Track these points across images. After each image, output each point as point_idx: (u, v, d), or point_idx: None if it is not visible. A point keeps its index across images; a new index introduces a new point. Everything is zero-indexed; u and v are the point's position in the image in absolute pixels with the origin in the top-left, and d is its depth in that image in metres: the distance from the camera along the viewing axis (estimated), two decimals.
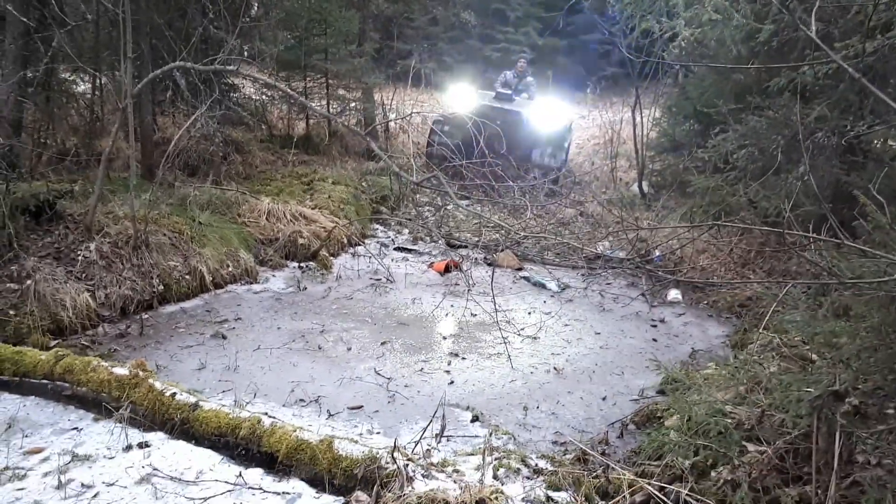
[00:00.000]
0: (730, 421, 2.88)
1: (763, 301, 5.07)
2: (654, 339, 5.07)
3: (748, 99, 5.31)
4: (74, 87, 8.21)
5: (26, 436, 3.26)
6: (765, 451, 2.64)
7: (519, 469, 2.95)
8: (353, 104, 10.82)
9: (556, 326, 5.20)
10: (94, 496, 2.80)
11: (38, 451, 3.13)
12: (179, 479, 2.94)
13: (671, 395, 3.64)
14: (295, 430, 3.06)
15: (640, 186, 9.30)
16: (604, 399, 4.05)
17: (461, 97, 9.75)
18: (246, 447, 3.12)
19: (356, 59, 9.95)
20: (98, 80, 8.02)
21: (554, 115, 9.73)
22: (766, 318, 4.29)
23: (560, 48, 21.97)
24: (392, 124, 11.99)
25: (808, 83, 4.78)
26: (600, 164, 11.25)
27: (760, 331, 4.18)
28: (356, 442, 3.04)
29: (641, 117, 9.52)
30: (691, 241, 6.33)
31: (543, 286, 6.21)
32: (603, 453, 3.31)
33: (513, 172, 7.82)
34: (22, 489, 2.81)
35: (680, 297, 5.97)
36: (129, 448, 3.16)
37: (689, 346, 4.92)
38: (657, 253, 6.86)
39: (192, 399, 3.35)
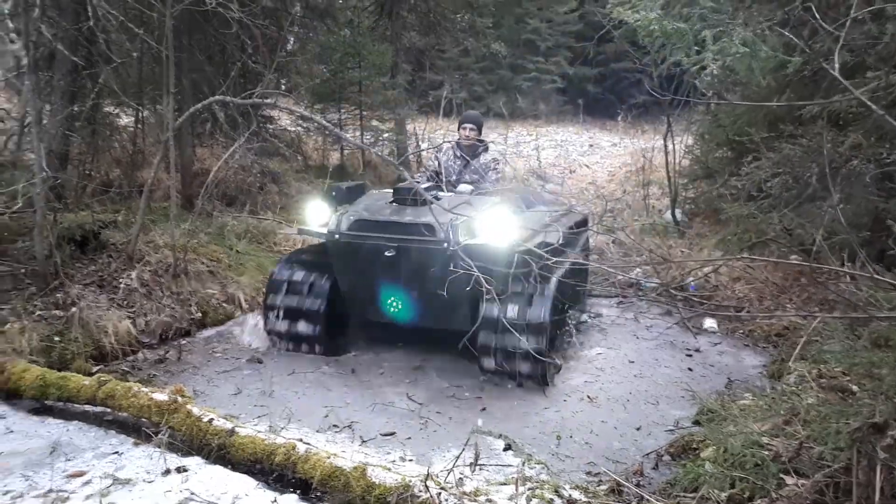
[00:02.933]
0: (767, 453, 2.83)
1: (800, 330, 4.99)
2: (690, 369, 5.01)
3: (781, 127, 5.29)
4: (118, 120, 8.50)
5: (69, 459, 3.34)
6: (803, 484, 2.60)
7: (552, 500, 2.94)
8: (385, 134, 11.00)
9: (589, 354, 5.17)
10: None
11: (81, 474, 3.20)
12: None
13: (707, 426, 3.59)
14: (329, 457, 3.10)
15: (672, 214, 9.24)
16: (638, 429, 4.00)
17: (315, 215, 5.13)
18: (281, 473, 3.17)
19: (389, 91, 10.15)
20: (141, 114, 8.29)
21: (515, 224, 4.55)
22: (804, 348, 4.22)
23: (591, 77, 22.08)
24: (424, 154, 12.16)
25: (842, 110, 4.75)
26: (632, 191, 11.22)
27: (798, 361, 4.11)
28: (389, 469, 3.06)
29: (673, 145, 9.50)
30: (719, 269, 6.27)
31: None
32: (638, 485, 3.27)
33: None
34: None
35: (716, 325, 5.90)
36: (167, 472, 3.22)
37: (725, 375, 4.85)
38: (691, 281, 6.80)
39: (229, 425, 3.41)
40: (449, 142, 5.96)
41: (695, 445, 3.49)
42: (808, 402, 3.14)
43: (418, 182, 5.14)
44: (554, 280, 4.51)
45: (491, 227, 4.42)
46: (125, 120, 8.83)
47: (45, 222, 4.71)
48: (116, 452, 3.43)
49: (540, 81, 21.26)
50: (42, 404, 3.91)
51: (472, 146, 5.67)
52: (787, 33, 4.85)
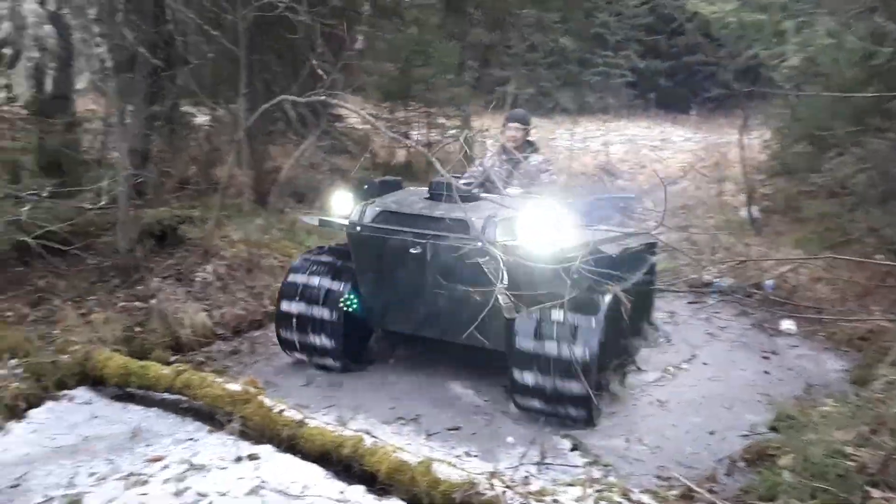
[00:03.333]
0: (851, 464, 2.70)
1: (885, 334, 4.73)
2: (766, 372, 4.82)
3: (867, 120, 5.02)
4: (195, 120, 8.80)
5: (148, 444, 3.49)
6: (891, 497, 2.46)
7: (620, 503, 2.88)
8: (452, 131, 11.01)
9: (660, 356, 5.04)
10: None
11: (159, 459, 3.34)
12: (285, 493, 3.06)
13: (785, 432, 3.44)
14: (395, 451, 3.13)
15: (748, 211, 8.91)
16: (711, 433, 3.88)
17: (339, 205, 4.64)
18: (348, 464, 3.21)
19: (455, 88, 10.15)
20: (216, 114, 8.56)
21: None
22: (893, 353, 3.99)
23: (662, 71, 21.54)
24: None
25: None
26: (706, 187, 10.88)
27: (885, 366, 3.90)
28: (454, 465, 3.06)
29: (749, 139, 9.16)
30: (798, 269, 6.01)
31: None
32: (710, 491, 3.16)
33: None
34: (144, 494, 3.01)
35: (794, 327, 5.65)
36: (239, 460, 3.32)
37: (804, 380, 4.64)
38: (769, 281, 6.55)
39: (299, 416, 3.48)
40: (473, 132, 5.73)
41: (771, 452, 3.35)
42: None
43: (460, 178, 4.66)
44: (605, 304, 3.81)
45: (532, 226, 3.73)
46: (201, 119, 9.15)
47: (127, 218, 4.93)
48: (192, 439, 3.56)
49: (609, 76, 20.85)
50: (124, 391, 4.09)
51: (519, 148, 5.02)
52: (877, 20, 4.60)
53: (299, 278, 4.53)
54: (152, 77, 6.45)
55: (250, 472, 3.21)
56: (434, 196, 4.21)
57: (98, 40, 4.60)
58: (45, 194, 4.00)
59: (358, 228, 4.15)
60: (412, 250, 3.93)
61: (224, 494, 3.03)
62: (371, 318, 4.51)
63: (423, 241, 3.93)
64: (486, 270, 3.46)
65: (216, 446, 3.46)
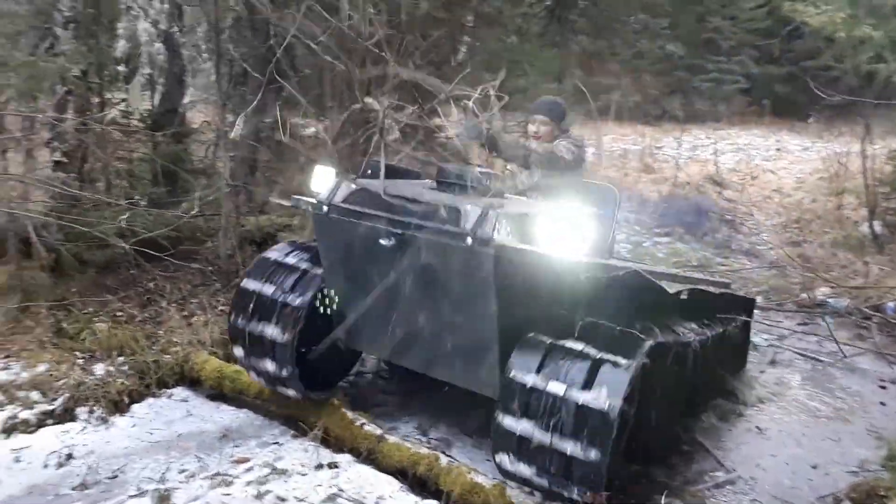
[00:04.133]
0: None
1: None
2: (883, 403, 4.43)
3: None
4: (301, 132, 9.11)
5: (236, 445, 3.62)
6: None
7: None
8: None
9: (760, 378, 4.73)
10: None
11: (245, 460, 3.45)
12: (361, 503, 3.08)
13: None
14: (469, 472, 3.09)
15: (870, 226, 8.26)
16: (814, 467, 3.59)
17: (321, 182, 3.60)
18: (423, 481, 3.21)
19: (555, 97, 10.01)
20: (319, 125, 8.84)
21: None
22: None
23: (779, 76, 20.41)
24: (590, 159, 11.87)
25: None
26: (823, 200, 10.18)
27: None
28: (531, 493, 2.99)
29: (874, 149, 8.49)
30: None
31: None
32: None
33: None
34: (228, 494, 3.11)
35: None
36: (320, 467, 3.37)
37: None
38: (892, 304, 6.03)
39: (378, 431, 3.51)
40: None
41: (882, 493, 3.07)
42: None
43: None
44: (646, 347, 2.76)
45: (558, 230, 2.77)
46: (308, 131, 9.48)
47: (228, 225, 5.16)
48: (277, 443, 3.66)
49: (721, 82, 19.97)
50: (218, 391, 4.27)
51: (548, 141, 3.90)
52: None
53: (251, 285, 3.71)
54: (260, 90, 6.75)
55: (328, 480, 3.26)
56: (442, 185, 3.27)
57: (206, 56, 4.86)
58: (143, 203, 4.26)
59: (324, 209, 3.23)
60: (382, 241, 2.98)
61: (302, 500, 3.09)
62: (339, 334, 3.55)
63: (398, 232, 2.97)
64: (487, 279, 2.67)
65: (299, 452, 3.54)
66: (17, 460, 3.33)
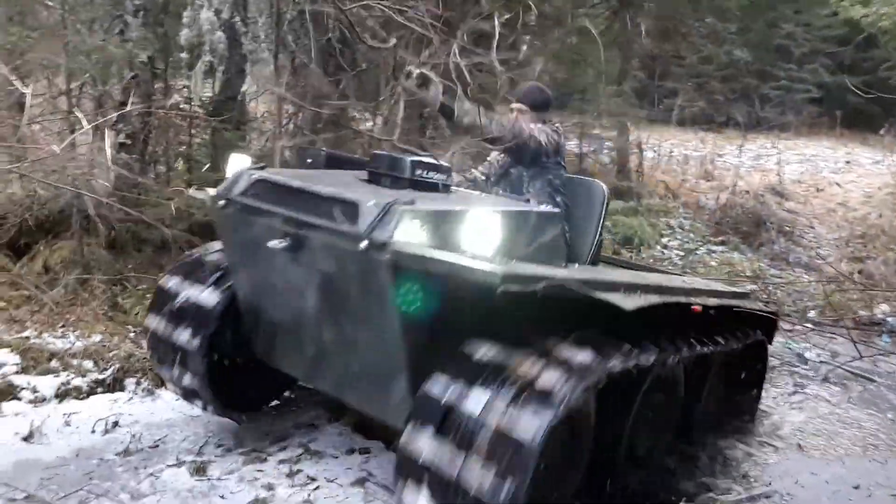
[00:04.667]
0: None
1: None
2: None
3: None
4: (360, 125, 9.24)
5: (273, 425, 3.71)
6: None
7: None
8: (608, 143, 10.76)
9: (805, 393, 4.59)
10: (315, 488, 3.09)
11: (280, 440, 3.54)
12: (389, 488, 3.13)
13: None
14: None
15: None
16: (856, 488, 3.47)
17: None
18: None
19: (613, 99, 9.89)
20: (376, 118, 8.95)
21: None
22: None
23: (852, 86, 19.61)
24: (649, 163, 11.69)
25: None
26: (890, 216, 9.77)
27: None
28: None
29: None
30: None
31: (801, 357, 5.50)
32: None
33: None
34: (261, 471, 3.20)
35: None
36: (351, 451, 3.44)
37: None
38: None
39: None
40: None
41: None
42: None
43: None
44: (594, 377, 2.30)
45: (476, 230, 2.29)
46: (367, 125, 9.61)
47: None
48: (312, 425, 3.73)
49: (791, 90, 19.33)
50: None
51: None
52: None
53: (171, 283, 3.32)
54: (319, 82, 6.88)
55: (359, 464, 3.32)
56: (374, 177, 2.79)
57: (266, 46, 5.00)
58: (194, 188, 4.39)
59: (222, 203, 2.80)
60: (270, 243, 2.53)
61: (331, 482, 3.16)
62: (254, 346, 3.17)
63: (290, 232, 2.53)
64: (382, 287, 2.26)
65: (332, 435, 3.61)
66: (67, 424, 3.50)
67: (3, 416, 3.48)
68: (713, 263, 7.89)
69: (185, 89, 4.82)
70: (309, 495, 3.02)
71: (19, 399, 3.64)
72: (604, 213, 3.58)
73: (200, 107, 5.68)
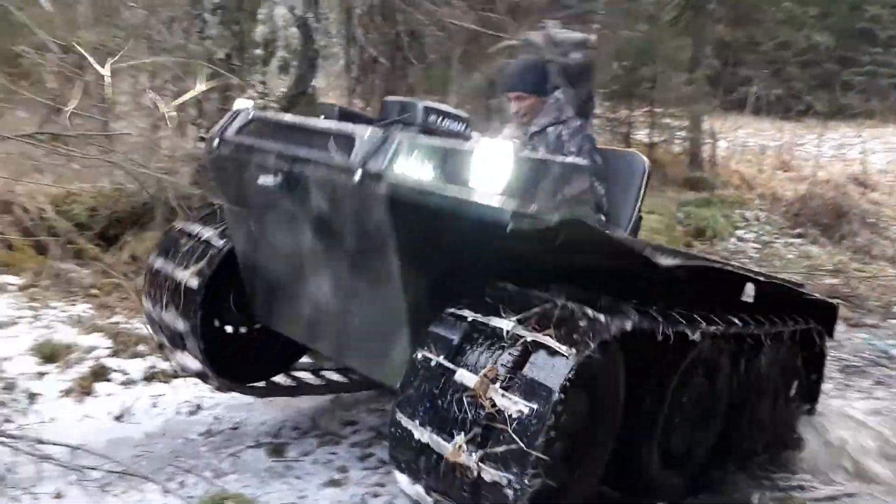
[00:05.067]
0: None
1: None
2: None
3: None
4: None
5: (346, 410, 3.81)
6: None
7: None
8: (679, 133, 10.52)
9: (870, 405, 4.34)
10: (387, 472, 3.16)
11: (353, 423, 3.64)
12: None
13: None
14: None
15: None
16: None
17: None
18: None
19: (685, 88, 9.65)
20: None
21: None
22: None
23: None
24: (722, 153, 11.36)
25: None
26: None
27: None
28: None
29: None
30: None
31: (886, 354, 5.25)
32: None
33: None
34: (334, 453, 3.30)
35: None
36: None
37: None
38: None
39: None
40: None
41: None
42: None
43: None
44: (608, 331, 1.99)
45: (486, 164, 1.97)
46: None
47: None
48: (384, 410, 3.81)
49: (876, 76, 18.39)
50: None
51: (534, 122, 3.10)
52: None
53: (158, 263, 3.11)
54: (389, 77, 6.99)
55: None
56: (383, 126, 2.32)
57: (337, 41, 5.11)
58: None
59: (215, 145, 2.60)
60: (260, 180, 2.36)
61: None
62: (255, 310, 2.96)
63: (284, 169, 2.31)
64: (381, 227, 2.03)
65: None
66: (155, 405, 3.69)
67: (96, 397, 3.69)
68: (790, 256, 7.61)
69: (261, 84, 4.99)
70: (381, 478, 3.09)
71: (111, 381, 3.84)
72: (643, 187, 3.16)
73: (275, 102, 5.84)
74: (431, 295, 2.16)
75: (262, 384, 3.47)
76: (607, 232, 2.03)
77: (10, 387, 3.57)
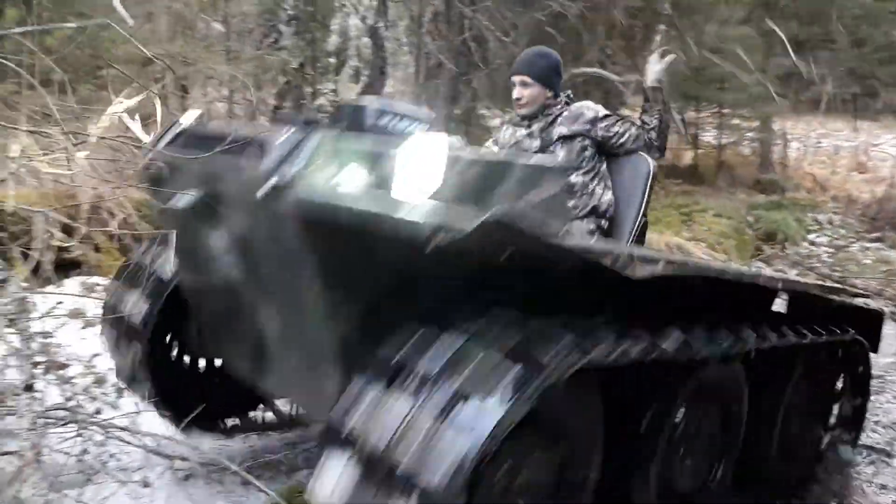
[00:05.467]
0: None
1: None
2: None
3: None
4: (490, 121, 9.38)
5: None
6: None
7: None
8: (749, 134, 10.27)
9: None
10: None
11: None
12: None
13: None
14: None
15: None
16: None
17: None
18: None
19: (754, 88, 9.42)
20: (504, 115, 9.05)
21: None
22: None
23: None
24: (794, 154, 11.04)
25: None
26: None
27: None
28: None
29: None
30: None
31: None
32: None
33: None
34: None
35: None
36: None
37: None
38: None
39: None
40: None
41: None
42: None
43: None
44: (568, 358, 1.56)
45: (414, 166, 1.58)
46: (494, 122, 9.73)
47: None
48: None
49: None
50: None
51: (539, 110, 2.91)
52: None
53: (112, 287, 2.93)
54: (453, 82, 7.08)
55: None
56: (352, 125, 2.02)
57: (406, 49, 5.22)
58: None
59: (147, 157, 2.31)
60: (177, 205, 2.05)
61: None
62: (206, 345, 2.68)
63: (200, 186, 2.04)
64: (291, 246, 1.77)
65: None
66: None
67: None
68: (867, 261, 7.33)
69: (332, 93, 5.15)
70: None
71: None
72: (648, 189, 2.91)
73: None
74: (364, 327, 1.81)
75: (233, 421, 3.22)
76: (551, 233, 1.48)
77: (100, 381, 3.78)
